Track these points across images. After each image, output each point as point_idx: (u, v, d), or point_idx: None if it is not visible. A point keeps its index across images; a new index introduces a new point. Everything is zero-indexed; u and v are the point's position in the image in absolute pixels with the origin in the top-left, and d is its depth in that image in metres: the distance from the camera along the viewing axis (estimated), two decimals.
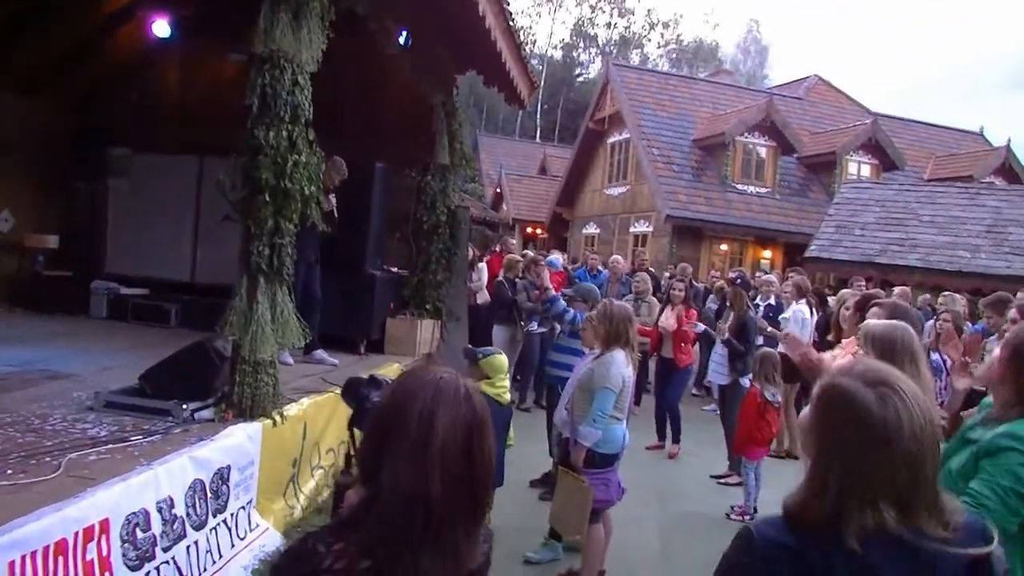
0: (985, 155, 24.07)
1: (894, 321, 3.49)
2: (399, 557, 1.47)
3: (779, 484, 5.01)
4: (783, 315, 8.98)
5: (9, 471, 3.49)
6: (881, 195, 17.23)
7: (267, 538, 4.75)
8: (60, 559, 3.05)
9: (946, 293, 8.95)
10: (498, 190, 33.32)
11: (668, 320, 8.60)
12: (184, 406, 4.68)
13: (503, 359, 5.10)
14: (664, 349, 8.61)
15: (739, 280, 8.29)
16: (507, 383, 5.16)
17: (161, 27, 8.44)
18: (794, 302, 9.12)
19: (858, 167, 22.85)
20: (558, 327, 7.44)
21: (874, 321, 3.63)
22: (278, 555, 1.59)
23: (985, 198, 16.12)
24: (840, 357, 4.58)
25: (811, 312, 9.08)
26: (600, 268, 12.51)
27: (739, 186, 22.04)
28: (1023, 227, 14.85)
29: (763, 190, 22.21)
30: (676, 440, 8.59)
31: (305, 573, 1.50)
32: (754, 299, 9.63)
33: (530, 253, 12.11)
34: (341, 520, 1.62)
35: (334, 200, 7.22)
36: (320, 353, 7.08)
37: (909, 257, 15.00)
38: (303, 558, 1.52)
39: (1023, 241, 14.56)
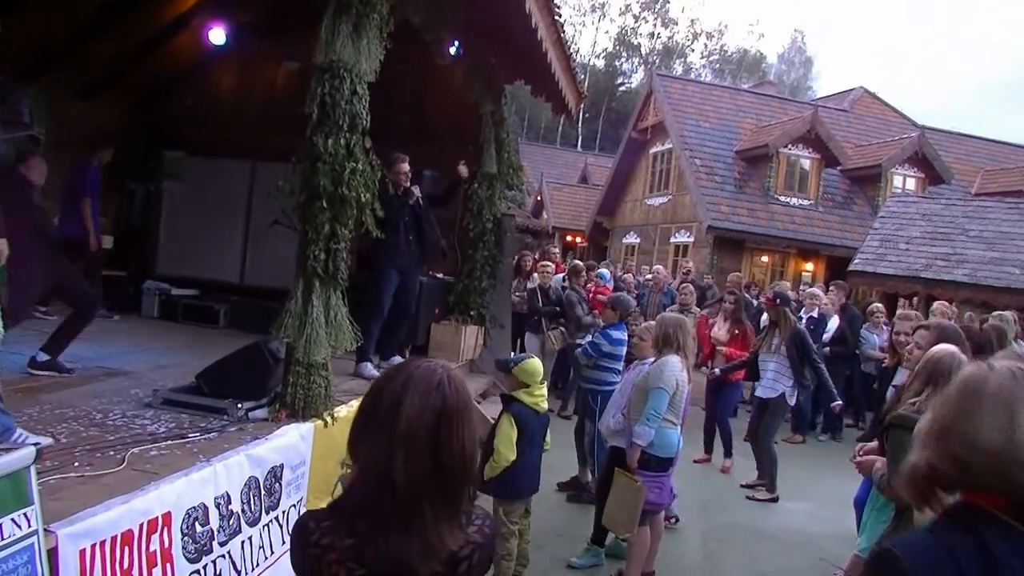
0: None
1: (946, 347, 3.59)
2: (372, 536, 1.54)
3: None
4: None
5: (76, 463, 3.63)
6: (928, 209, 16.94)
7: None
8: (126, 549, 3.16)
9: (996, 313, 8.78)
10: (539, 198, 33.36)
11: (719, 332, 8.56)
12: (239, 405, 4.80)
13: (536, 363, 5.01)
14: (716, 362, 8.49)
15: (779, 300, 7.94)
16: (544, 390, 5.05)
17: (217, 35, 8.60)
18: None
19: (903, 180, 22.50)
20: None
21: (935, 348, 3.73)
22: None
23: None
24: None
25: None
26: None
27: (782, 198, 21.84)
28: None
29: (806, 202, 21.99)
30: (728, 454, 8.43)
31: (299, 546, 1.61)
32: (798, 311, 9.58)
33: (578, 263, 12.09)
34: (337, 499, 1.70)
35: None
36: (397, 358, 7.26)
37: (956, 272, 14.73)
38: (299, 532, 1.63)
39: None
